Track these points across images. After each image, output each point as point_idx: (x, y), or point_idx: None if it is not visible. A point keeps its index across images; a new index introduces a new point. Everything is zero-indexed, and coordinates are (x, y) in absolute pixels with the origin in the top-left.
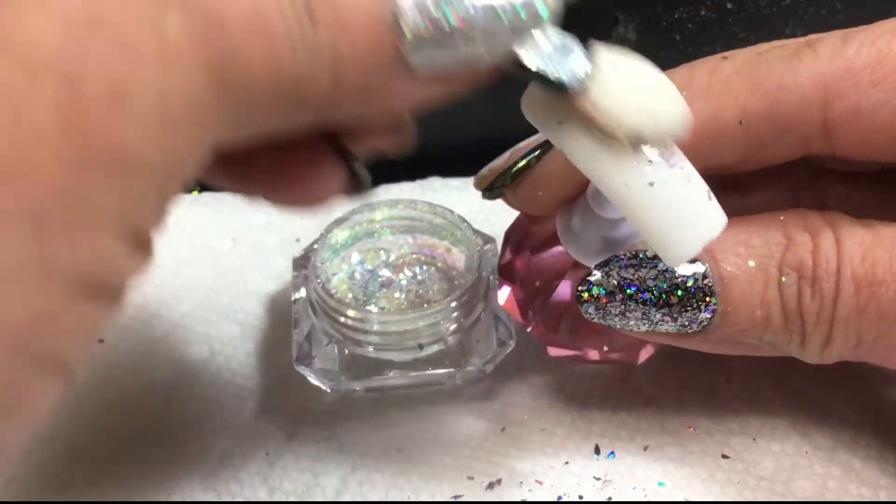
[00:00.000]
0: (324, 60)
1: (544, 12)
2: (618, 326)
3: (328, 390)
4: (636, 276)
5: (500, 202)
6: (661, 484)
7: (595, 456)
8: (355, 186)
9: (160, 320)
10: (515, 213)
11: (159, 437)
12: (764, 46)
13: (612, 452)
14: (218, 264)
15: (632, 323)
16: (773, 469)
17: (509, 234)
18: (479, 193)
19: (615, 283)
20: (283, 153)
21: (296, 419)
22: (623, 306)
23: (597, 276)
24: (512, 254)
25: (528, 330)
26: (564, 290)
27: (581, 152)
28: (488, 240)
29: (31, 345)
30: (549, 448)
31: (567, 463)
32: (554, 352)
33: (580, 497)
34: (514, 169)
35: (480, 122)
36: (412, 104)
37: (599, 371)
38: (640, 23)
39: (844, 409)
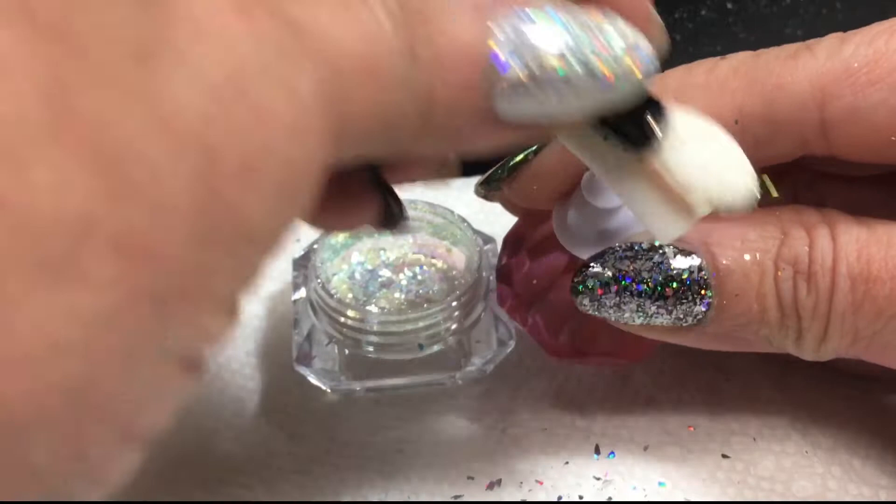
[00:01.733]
0: (419, 100)
1: (640, 75)
2: (612, 319)
3: (328, 390)
4: (631, 267)
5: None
6: (661, 484)
7: (595, 456)
8: (389, 221)
9: None
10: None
11: (159, 437)
12: (763, 50)
13: (613, 452)
14: None
15: (627, 315)
16: (774, 469)
17: (507, 240)
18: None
19: (610, 274)
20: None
21: (296, 419)
22: (618, 298)
23: (592, 267)
24: (509, 258)
25: (529, 331)
26: (564, 292)
27: (577, 139)
28: (488, 240)
29: (128, 423)
30: (550, 448)
31: (567, 463)
32: (555, 359)
33: (580, 497)
34: (512, 163)
35: None
36: (490, 147)
37: (599, 371)
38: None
39: (844, 408)
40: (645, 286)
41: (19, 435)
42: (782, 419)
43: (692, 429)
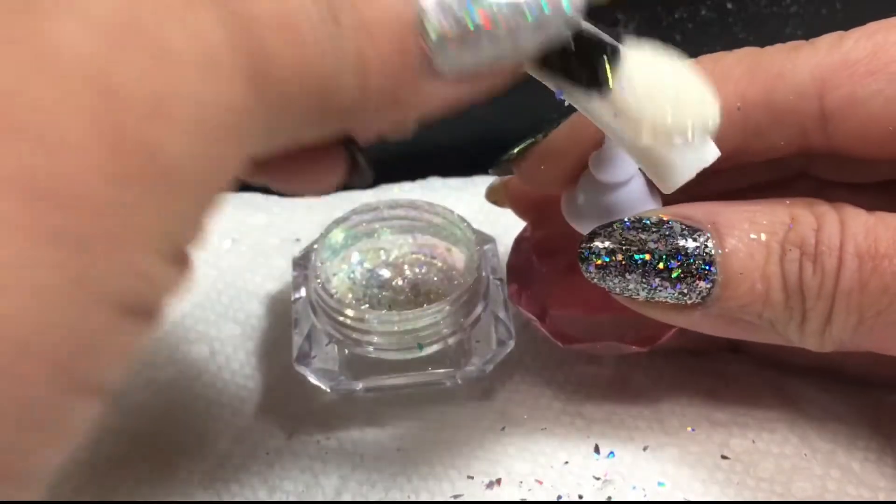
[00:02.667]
0: (350, 65)
1: (568, 8)
2: (616, 290)
3: (328, 390)
4: (638, 238)
5: None
6: (660, 484)
7: (595, 456)
8: (358, 176)
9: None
10: (515, 214)
11: (159, 436)
12: (767, 46)
13: (612, 452)
14: (218, 264)
15: (631, 286)
16: (773, 470)
17: (518, 241)
18: (478, 193)
19: (617, 244)
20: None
21: (296, 419)
22: (623, 268)
23: (599, 235)
24: (522, 255)
25: (544, 325)
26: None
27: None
28: (488, 240)
29: (70, 368)
30: (549, 448)
31: (567, 462)
32: (566, 346)
33: (580, 497)
34: (521, 147)
35: (480, 122)
36: (438, 107)
37: (599, 371)
38: (640, 23)
39: (843, 410)
40: (650, 257)
41: None
42: (781, 421)
43: (692, 429)
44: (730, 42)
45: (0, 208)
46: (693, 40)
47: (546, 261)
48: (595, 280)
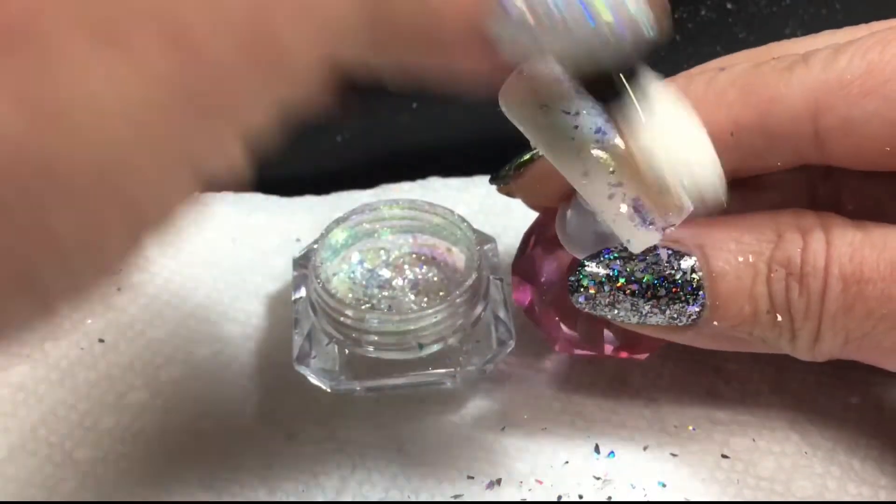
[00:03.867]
0: (425, 7)
1: (636, 43)
2: (608, 317)
3: (328, 390)
4: (625, 267)
5: (499, 202)
6: (660, 484)
7: (595, 455)
8: (341, 113)
9: (160, 320)
10: (515, 215)
11: (159, 436)
12: (764, 55)
13: (612, 452)
14: (218, 264)
15: (621, 314)
16: (773, 469)
17: (528, 234)
18: (478, 193)
19: (605, 273)
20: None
21: (296, 419)
22: (612, 297)
23: (587, 266)
24: (532, 249)
25: (544, 324)
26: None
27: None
28: (488, 240)
29: (135, 208)
30: (549, 448)
31: (567, 462)
32: (567, 349)
33: (580, 497)
34: (519, 161)
35: (481, 122)
36: (467, 67)
37: (600, 371)
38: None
39: (843, 409)
40: (638, 286)
41: (47, 187)
42: (781, 420)
43: (692, 429)
44: (730, 42)
45: (147, 44)
46: (693, 40)
47: (546, 263)
48: (586, 310)
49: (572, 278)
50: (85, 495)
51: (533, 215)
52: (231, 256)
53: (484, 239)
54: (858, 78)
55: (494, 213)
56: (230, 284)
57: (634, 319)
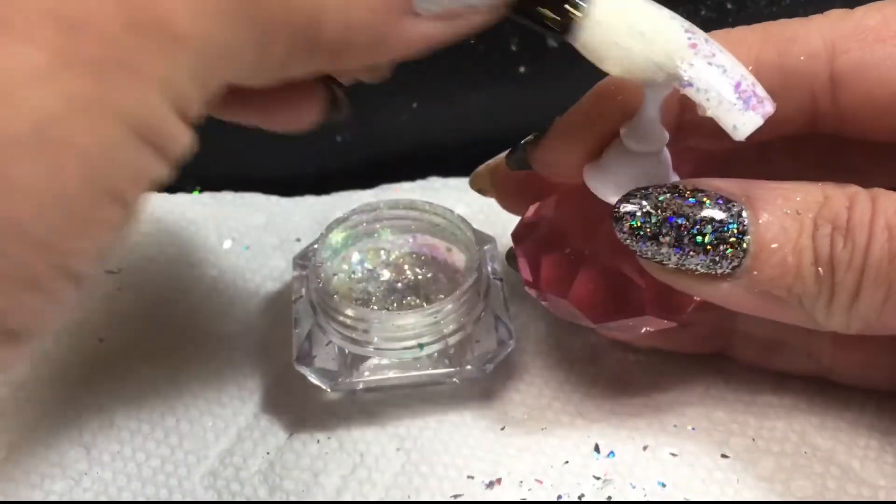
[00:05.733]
0: (334, 6)
1: None
2: (648, 255)
3: (328, 390)
4: (673, 202)
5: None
6: (660, 483)
7: (595, 455)
8: (336, 109)
9: (160, 320)
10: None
11: (160, 436)
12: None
13: (612, 452)
14: (218, 264)
15: (663, 250)
16: (773, 469)
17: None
18: (479, 193)
19: (653, 205)
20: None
21: (296, 419)
22: (657, 230)
23: (635, 197)
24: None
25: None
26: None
27: None
28: (488, 240)
29: (99, 172)
30: (549, 447)
31: (567, 462)
32: (597, 324)
33: (580, 496)
34: (534, 134)
35: (480, 122)
36: (418, 46)
37: (599, 371)
38: None
39: (843, 408)
40: (685, 221)
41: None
42: (781, 420)
43: (692, 429)
44: None
45: (39, 34)
46: None
47: (548, 249)
48: (627, 242)
49: (618, 207)
50: (84, 495)
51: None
52: (231, 256)
53: (484, 239)
54: (874, 25)
55: (494, 213)
56: (230, 284)
57: (674, 259)
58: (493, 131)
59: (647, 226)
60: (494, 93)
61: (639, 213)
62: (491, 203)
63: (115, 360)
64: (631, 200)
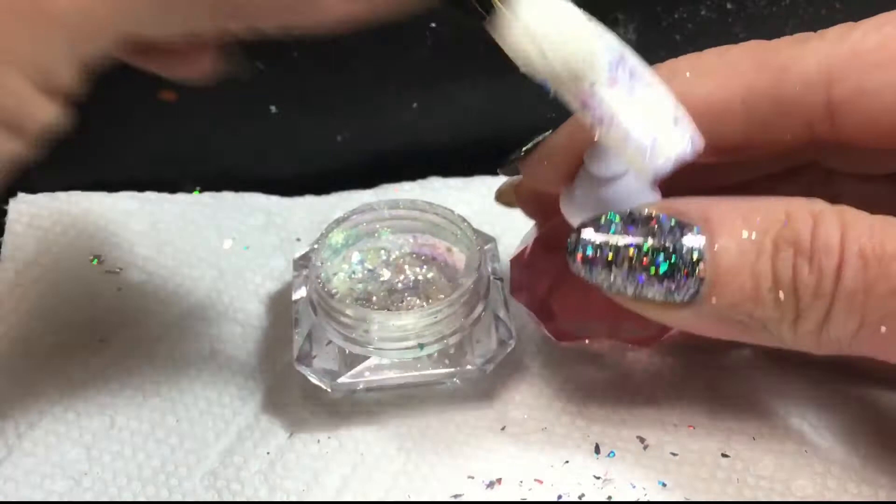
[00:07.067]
0: None
1: None
2: (604, 286)
3: (328, 390)
4: (626, 233)
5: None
6: (661, 483)
7: (595, 455)
8: (234, 61)
9: (160, 320)
10: (515, 215)
11: (160, 436)
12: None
13: (613, 451)
14: (218, 264)
15: (618, 282)
16: (773, 468)
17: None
18: (478, 193)
19: (604, 239)
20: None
21: (296, 418)
22: (610, 263)
23: (587, 230)
24: (523, 250)
25: (537, 314)
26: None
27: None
28: (488, 240)
29: None
30: (549, 447)
31: (567, 462)
32: (566, 341)
33: (580, 496)
34: (528, 146)
35: (480, 122)
36: (329, 17)
37: (599, 371)
38: (640, 23)
39: (844, 408)
40: (637, 251)
41: None
42: (782, 419)
43: (692, 428)
44: (730, 42)
45: None
46: (693, 40)
47: (549, 258)
48: (582, 274)
49: (571, 239)
50: (84, 495)
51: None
52: (231, 256)
53: (484, 239)
54: (872, 50)
55: (494, 213)
56: (230, 284)
57: (630, 290)
58: (493, 131)
59: (598, 260)
60: (494, 93)
61: (589, 245)
62: (491, 203)
63: (115, 360)
64: (582, 231)
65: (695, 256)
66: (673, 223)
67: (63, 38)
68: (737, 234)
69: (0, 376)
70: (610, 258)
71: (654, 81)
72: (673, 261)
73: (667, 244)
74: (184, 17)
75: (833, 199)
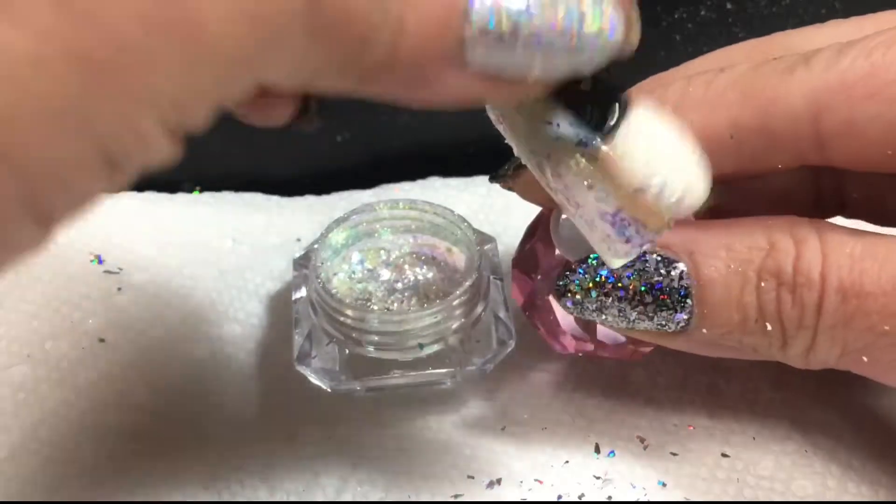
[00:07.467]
0: (390, 25)
1: (612, 36)
2: (597, 322)
3: (328, 390)
4: (614, 273)
5: (499, 202)
6: (661, 483)
7: (595, 455)
8: (307, 119)
9: (161, 320)
10: (515, 214)
11: (159, 436)
12: (767, 46)
13: (612, 451)
14: (218, 264)
15: (609, 319)
16: (773, 468)
17: (532, 229)
18: (478, 193)
19: (593, 279)
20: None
21: (296, 419)
22: (599, 303)
23: (575, 270)
24: (525, 245)
25: (540, 323)
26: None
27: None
28: (488, 240)
29: (39, 189)
30: (549, 447)
31: (567, 462)
32: (565, 348)
33: (580, 496)
34: (516, 164)
35: (480, 122)
36: (454, 98)
37: (599, 370)
38: (640, 23)
39: (844, 407)
40: (626, 292)
41: None
42: (782, 418)
43: (692, 428)
44: (729, 42)
45: (33, 9)
46: (693, 40)
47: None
48: (574, 314)
49: (560, 283)
50: (85, 495)
51: (534, 211)
52: (231, 256)
53: (484, 239)
54: (861, 80)
55: (494, 213)
56: (230, 284)
57: (623, 325)
58: (493, 131)
59: (589, 301)
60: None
61: (578, 291)
62: (491, 203)
63: (115, 360)
64: (570, 275)
65: (682, 292)
66: (658, 259)
67: (212, 71)
68: (721, 267)
69: (0, 376)
70: (598, 299)
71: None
72: (661, 297)
73: (654, 281)
74: (313, 70)
75: (837, 183)
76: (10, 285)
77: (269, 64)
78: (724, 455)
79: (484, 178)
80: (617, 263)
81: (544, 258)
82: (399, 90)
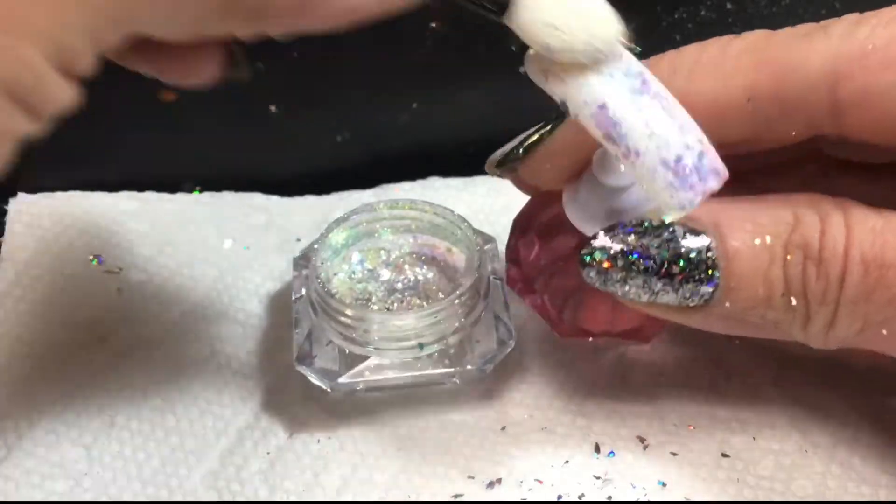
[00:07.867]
0: None
1: None
2: (618, 294)
3: (328, 390)
4: (640, 243)
5: (499, 202)
6: (661, 483)
7: (595, 455)
8: (236, 68)
9: (160, 320)
10: (515, 213)
11: (160, 436)
12: (778, 30)
13: (612, 451)
14: (218, 264)
15: (632, 291)
16: (773, 468)
17: (517, 221)
18: (478, 193)
19: (618, 248)
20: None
21: (296, 419)
22: (624, 273)
23: (601, 239)
24: (518, 238)
25: (537, 310)
26: (569, 273)
27: (567, 90)
28: (488, 240)
29: None
30: (550, 447)
31: (567, 462)
32: (563, 337)
33: (580, 496)
34: (527, 143)
35: (480, 122)
36: (338, 19)
37: (599, 370)
38: (640, 24)
39: (844, 407)
40: (652, 262)
41: None
42: (782, 418)
43: (692, 428)
44: None
45: None
46: (693, 40)
47: (548, 245)
48: (597, 285)
49: (584, 251)
50: (84, 495)
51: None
52: (231, 256)
53: (484, 239)
54: (880, 49)
55: (494, 213)
56: (230, 284)
57: (645, 297)
58: (493, 131)
59: (614, 271)
60: (494, 93)
61: (604, 259)
62: (491, 203)
63: (115, 360)
64: (595, 244)
65: (709, 263)
66: (684, 230)
67: (83, 18)
68: (748, 240)
69: (0, 376)
70: (623, 269)
71: (677, 107)
72: (687, 269)
73: (681, 251)
74: (194, 17)
75: (832, 187)
76: (10, 285)
77: (138, 9)
78: (724, 455)
79: (484, 178)
80: (677, 215)
81: (530, 251)
82: (286, 22)
